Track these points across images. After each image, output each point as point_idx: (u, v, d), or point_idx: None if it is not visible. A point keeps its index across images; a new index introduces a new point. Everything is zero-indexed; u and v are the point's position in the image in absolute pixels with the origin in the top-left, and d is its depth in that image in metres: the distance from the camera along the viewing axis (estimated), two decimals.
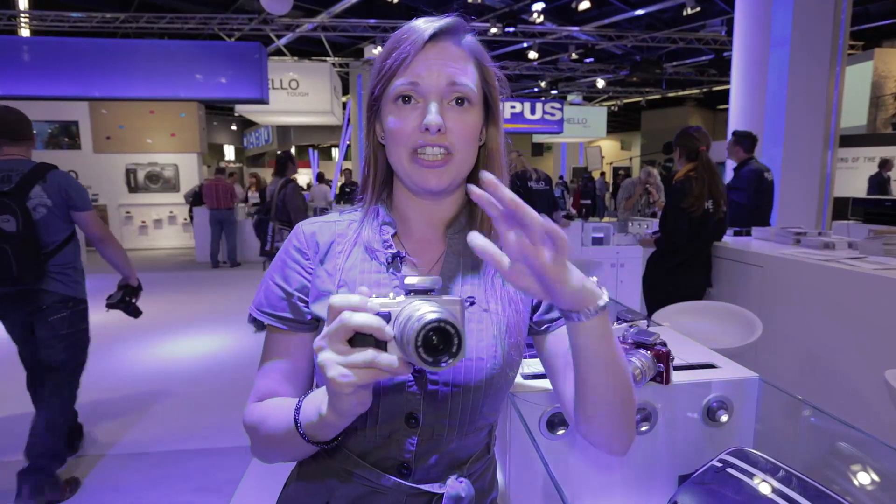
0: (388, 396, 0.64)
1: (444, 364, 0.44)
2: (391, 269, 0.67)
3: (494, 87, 0.69)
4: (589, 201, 10.08)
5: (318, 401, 0.55)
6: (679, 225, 2.70)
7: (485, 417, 0.69)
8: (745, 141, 3.68)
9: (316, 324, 0.69)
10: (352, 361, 0.47)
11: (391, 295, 0.49)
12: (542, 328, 0.72)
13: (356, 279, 0.66)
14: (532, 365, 1.08)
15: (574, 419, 0.66)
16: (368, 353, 0.47)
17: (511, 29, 9.01)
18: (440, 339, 0.44)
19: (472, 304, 0.67)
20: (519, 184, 4.16)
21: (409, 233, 0.71)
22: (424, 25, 0.63)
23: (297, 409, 0.58)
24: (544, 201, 4.26)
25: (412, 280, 0.49)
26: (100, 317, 5.07)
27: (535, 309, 0.72)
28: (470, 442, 0.69)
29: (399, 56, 0.62)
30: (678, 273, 2.80)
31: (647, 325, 1.23)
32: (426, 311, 0.45)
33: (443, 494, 0.65)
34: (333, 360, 0.47)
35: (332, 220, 0.72)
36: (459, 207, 0.72)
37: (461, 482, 0.67)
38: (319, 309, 0.67)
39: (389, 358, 0.47)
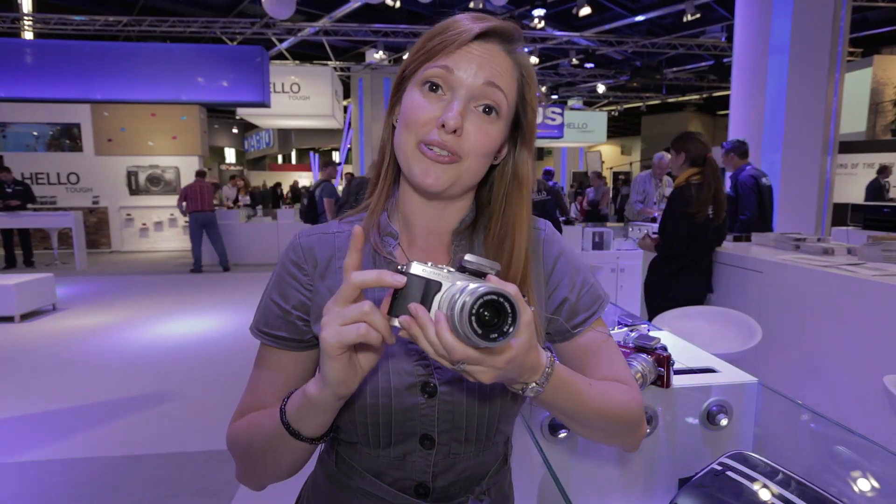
0: (400, 418, 0.61)
1: (493, 338, 0.42)
2: None
3: (533, 109, 0.64)
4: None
5: (306, 385, 0.54)
6: (679, 231, 2.70)
7: (501, 431, 0.67)
8: (739, 147, 3.71)
9: (317, 342, 0.63)
10: (345, 314, 0.46)
11: (445, 270, 0.47)
12: (560, 337, 0.70)
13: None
14: None
15: None
16: (364, 306, 0.46)
17: None
18: (493, 313, 0.42)
19: None
20: None
21: (414, 241, 0.67)
22: (477, 20, 0.58)
23: (285, 400, 0.56)
24: (542, 212, 4.30)
25: (471, 258, 0.46)
26: (98, 318, 5.07)
27: (550, 319, 0.69)
28: (488, 457, 0.67)
29: (442, 42, 0.57)
30: (679, 278, 2.81)
31: (648, 330, 1.24)
32: (482, 284, 0.43)
33: None
34: (331, 320, 0.47)
35: (331, 231, 0.67)
36: (465, 216, 0.68)
37: (481, 501, 0.66)
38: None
39: (379, 318, 0.46)
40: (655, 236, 2.90)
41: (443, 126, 0.56)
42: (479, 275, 0.47)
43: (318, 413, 0.53)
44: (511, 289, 0.44)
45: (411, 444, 0.62)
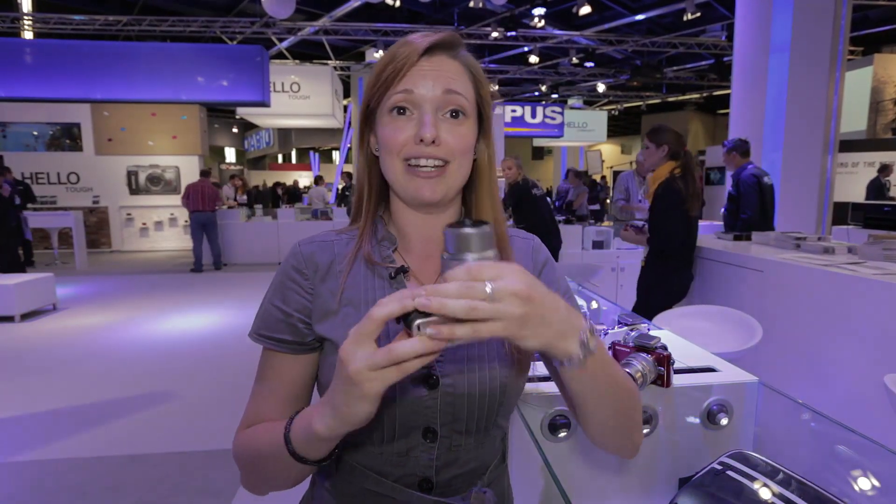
0: (404, 411, 0.63)
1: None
2: (395, 284, 0.67)
3: (488, 102, 0.69)
4: (598, 206, 9.97)
5: (309, 414, 0.54)
6: (675, 228, 2.68)
7: (498, 425, 0.69)
8: (741, 146, 3.71)
9: (318, 345, 0.68)
10: (376, 361, 0.45)
11: None
12: None
13: (360, 296, 0.66)
14: (533, 367, 1.08)
15: (583, 430, 0.67)
16: (390, 349, 0.45)
17: (512, 33, 9.05)
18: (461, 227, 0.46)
19: None
20: (524, 192, 4.33)
21: (409, 247, 0.70)
22: (420, 39, 0.64)
23: (289, 424, 0.57)
24: (535, 209, 4.35)
25: None
26: (98, 318, 5.07)
27: None
28: (487, 451, 0.70)
29: (395, 68, 0.62)
30: (673, 276, 2.81)
31: (648, 329, 1.24)
32: None
33: None
34: (361, 359, 0.46)
35: (329, 239, 0.71)
36: (455, 219, 0.70)
37: (484, 492, 0.68)
38: (324, 329, 0.66)
39: (407, 344, 0.45)
40: (636, 226, 2.90)
41: (421, 140, 0.61)
42: None
43: (328, 443, 0.55)
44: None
45: (414, 438, 0.64)
